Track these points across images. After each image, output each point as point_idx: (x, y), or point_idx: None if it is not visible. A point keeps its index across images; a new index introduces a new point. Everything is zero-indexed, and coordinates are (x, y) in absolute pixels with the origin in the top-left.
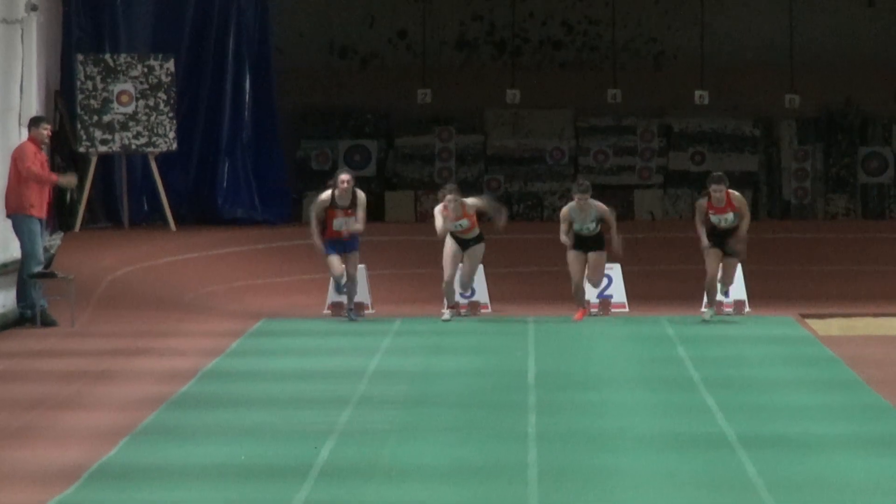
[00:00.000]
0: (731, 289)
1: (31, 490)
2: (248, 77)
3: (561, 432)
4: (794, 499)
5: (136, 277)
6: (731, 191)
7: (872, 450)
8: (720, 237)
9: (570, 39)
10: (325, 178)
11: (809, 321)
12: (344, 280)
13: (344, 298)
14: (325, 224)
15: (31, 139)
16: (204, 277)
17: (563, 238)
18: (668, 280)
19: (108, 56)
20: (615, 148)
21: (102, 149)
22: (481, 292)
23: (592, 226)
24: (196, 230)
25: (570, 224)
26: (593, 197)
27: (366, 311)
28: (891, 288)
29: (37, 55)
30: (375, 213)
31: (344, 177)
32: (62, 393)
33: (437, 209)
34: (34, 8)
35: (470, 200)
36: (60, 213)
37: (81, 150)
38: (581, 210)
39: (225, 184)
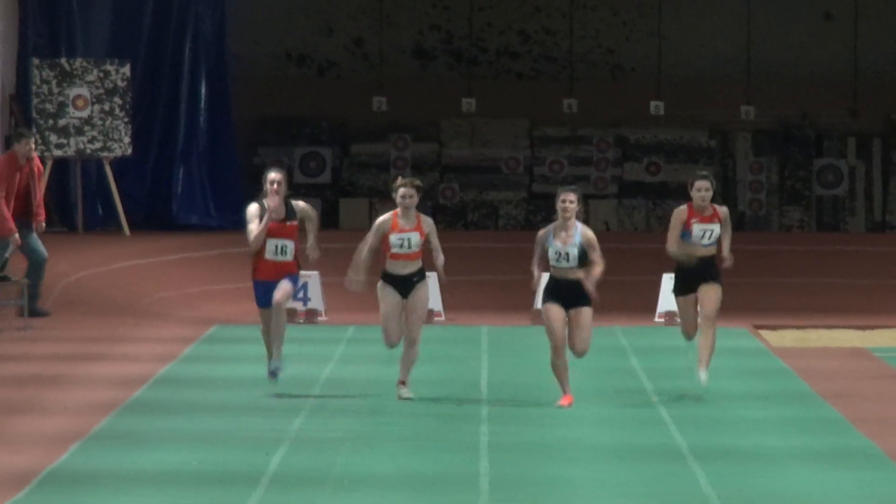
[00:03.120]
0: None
1: None
2: (204, 84)
3: (513, 443)
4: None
5: (91, 282)
6: (717, 206)
7: (824, 463)
8: (694, 274)
9: (526, 50)
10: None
11: (763, 332)
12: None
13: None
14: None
15: (10, 152)
16: (158, 283)
17: (534, 270)
18: (622, 291)
19: (63, 60)
20: (570, 158)
21: (57, 153)
22: (435, 300)
23: (575, 252)
24: (151, 236)
25: (545, 251)
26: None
27: (319, 318)
28: (844, 300)
29: None
30: (330, 220)
31: (272, 175)
32: (13, 398)
33: (379, 221)
34: None
35: (428, 219)
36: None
37: (42, 153)
38: (563, 227)
39: (180, 190)
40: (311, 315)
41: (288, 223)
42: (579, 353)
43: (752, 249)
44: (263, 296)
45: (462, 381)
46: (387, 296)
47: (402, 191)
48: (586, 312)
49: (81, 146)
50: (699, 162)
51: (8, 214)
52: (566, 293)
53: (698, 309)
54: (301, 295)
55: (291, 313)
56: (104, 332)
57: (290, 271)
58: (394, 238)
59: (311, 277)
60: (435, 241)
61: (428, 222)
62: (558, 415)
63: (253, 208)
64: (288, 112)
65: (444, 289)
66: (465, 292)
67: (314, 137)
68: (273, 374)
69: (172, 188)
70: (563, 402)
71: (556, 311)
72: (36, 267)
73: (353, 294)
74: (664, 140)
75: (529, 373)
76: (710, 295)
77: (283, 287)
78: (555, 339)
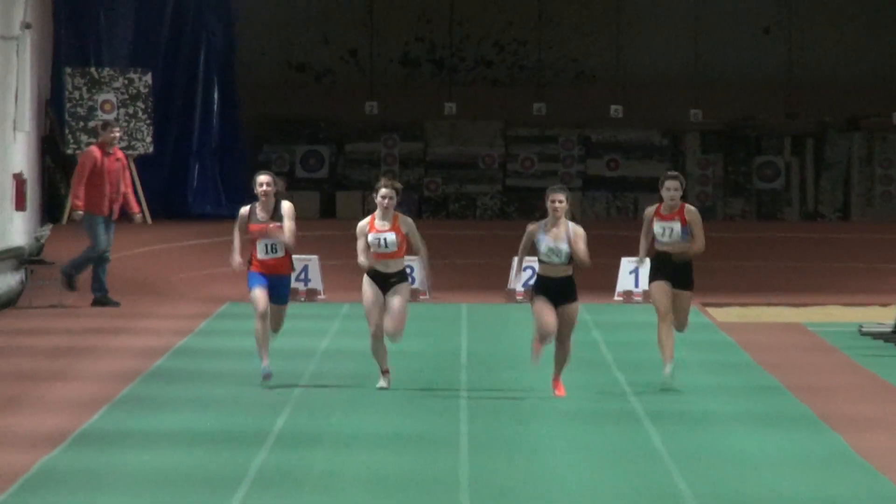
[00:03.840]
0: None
1: (22, 452)
2: (215, 89)
3: (489, 407)
4: (694, 467)
5: (116, 265)
6: (687, 204)
7: (763, 425)
8: (670, 267)
9: (500, 59)
10: (284, 179)
11: (710, 310)
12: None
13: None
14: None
15: (98, 144)
16: (176, 265)
17: (518, 260)
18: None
19: (92, 69)
20: (540, 155)
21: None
22: (420, 281)
23: (562, 249)
24: (168, 224)
25: (531, 244)
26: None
27: (318, 297)
28: (781, 281)
29: (30, 68)
30: (328, 210)
31: (262, 177)
32: (50, 367)
33: (360, 226)
34: (28, 26)
35: (407, 219)
36: (51, 206)
37: (69, 151)
38: (554, 224)
39: (195, 183)
40: (311, 294)
41: (271, 224)
42: (563, 343)
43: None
44: (256, 280)
45: (444, 352)
46: (367, 290)
47: (382, 191)
48: (572, 307)
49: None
50: (653, 159)
51: (81, 193)
52: (555, 290)
53: (671, 305)
54: (302, 276)
55: (293, 294)
56: (128, 308)
57: (283, 270)
58: (371, 237)
59: (310, 261)
60: (416, 241)
61: (406, 222)
62: (530, 380)
63: (243, 211)
64: (289, 114)
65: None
66: (447, 274)
67: (313, 137)
68: (267, 376)
69: (188, 182)
70: (558, 392)
71: (545, 308)
72: (90, 254)
73: (347, 276)
74: (622, 139)
75: (504, 345)
76: (683, 303)
77: (280, 304)
78: (542, 331)
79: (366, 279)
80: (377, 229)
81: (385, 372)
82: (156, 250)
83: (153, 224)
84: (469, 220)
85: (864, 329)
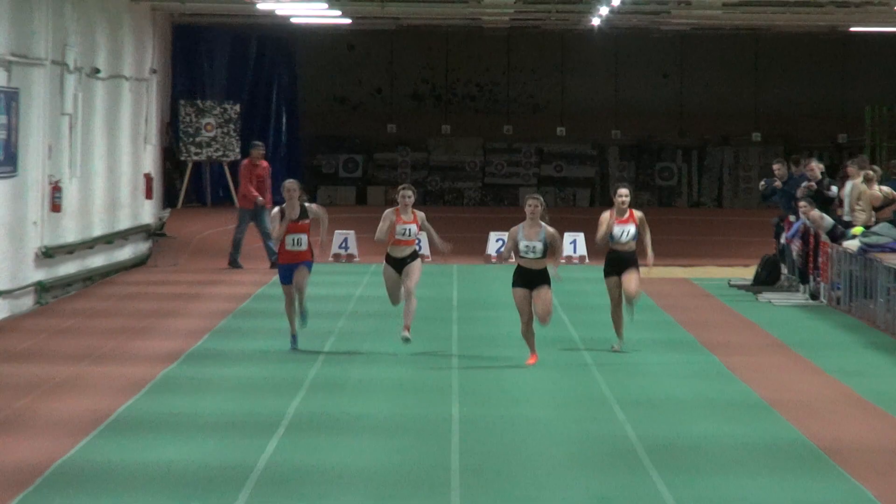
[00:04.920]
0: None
1: (149, 366)
2: (283, 115)
3: (474, 336)
4: (631, 407)
5: (213, 237)
6: (634, 209)
7: (659, 350)
8: (619, 262)
9: (481, 95)
10: (331, 178)
11: None
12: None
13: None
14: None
15: (248, 158)
16: (252, 238)
17: (506, 254)
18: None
19: (198, 101)
20: (508, 161)
21: (195, 158)
22: (424, 248)
23: (538, 245)
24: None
25: (514, 242)
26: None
27: (354, 259)
28: (676, 249)
29: (155, 100)
30: (361, 199)
31: (288, 183)
32: (169, 306)
33: (387, 213)
34: (154, 71)
35: (421, 213)
36: (169, 196)
37: (183, 158)
38: (530, 227)
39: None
40: (349, 257)
41: (300, 222)
42: (542, 318)
43: None
44: (284, 276)
45: (441, 298)
46: (387, 274)
47: (402, 192)
48: (545, 289)
49: (210, 154)
50: (586, 164)
51: (252, 191)
52: (530, 279)
53: (623, 290)
54: (343, 245)
55: (337, 258)
56: (220, 268)
57: (305, 258)
58: (399, 227)
59: (349, 234)
60: (427, 226)
61: (420, 215)
62: (505, 318)
63: (275, 211)
64: (334, 133)
65: (360, 242)
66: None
67: (350, 148)
68: (294, 343)
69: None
70: (530, 360)
71: (523, 295)
72: (264, 233)
73: (375, 245)
74: (565, 151)
75: (485, 293)
76: (631, 283)
77: (302, 272)
78: (523, 315)
79: (385, 265)
80: (403, 221)
81: (406, 327)
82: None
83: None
84: (458, 207)
85: (731, 282)
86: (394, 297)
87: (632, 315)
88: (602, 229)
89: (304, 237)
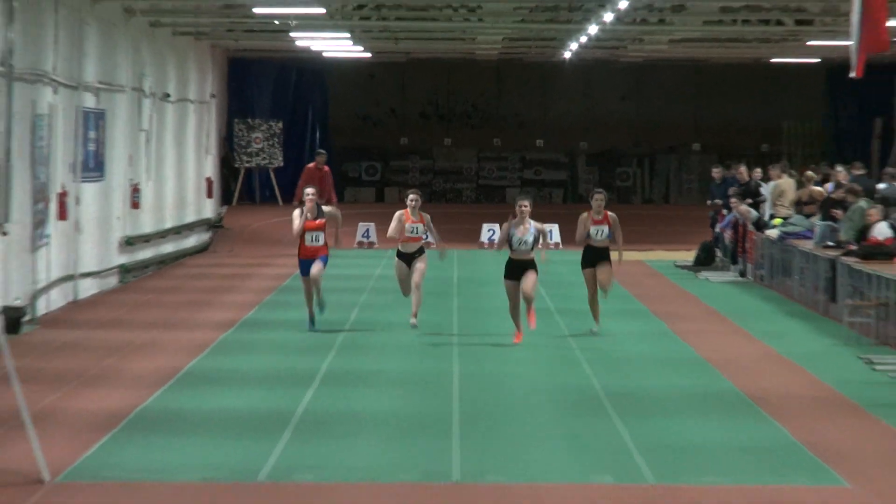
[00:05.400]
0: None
1: (210, 331)
2: (317, 130)
3: (471, 307)
4: (597, 364)
5: (261, 229)
6: (608, 211)
7: (617, 319)
8: (594, 256)
9: (476, 113)
10: (355, 181)
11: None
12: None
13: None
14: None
15: (313, 164)
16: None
17: (499, 244)
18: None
19: (249, 119)
20: (497, 167)
21: (246, 165)
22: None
23: (529, 240)
24: (290, 206)
25: (508, 235)
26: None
27: (374, 246)
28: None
29: (215, 119)
30: (380, 198)
31: (308, 190)
32: (226, 285)
33: (398, 214)
34: (213, 96)
35: (427, 215)
36: (226, 195)
37: (236, 165)
38: (521, 223)
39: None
40: (370, 244)
41: (317, 220)
42: (527, 296)
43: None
44: (304, 269)
45: (444, 277)
46: (398, 267)
47: (411, 196)
48: (531, 274)
49: (258, 162)
50: (559, 169)
51: (300, 192)
52: (519, 269)
53: (598, 280)
54: (365, 234)
55: (360, 244)
56: (268, 253)
57: (322, 253)
58: (408, 226)
59: (370, 225)
60: (432, 228)
61: (426, 216)
62: (496, 292)
63: (296, 212)
64: (359, 144)
65: (378, 232)
66: (445, 234)
67: (371, 157)
68: (312, 324)
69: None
70: (516, 339)
71: (512, 286)
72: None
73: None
74: (543, 158)
75: (481, 271)
76: (604, 275)
77: (318, 265)
78: (511, 301)
79: (397, 259)
80: (412, 220)
81: (414, 314)
82: (282, 221)
83: (282, 205)
84: (457, 204)
85: (676, 264)
86: (404, 287)
87: (605, 297)
88: (580, 229)
89: (320, 234)
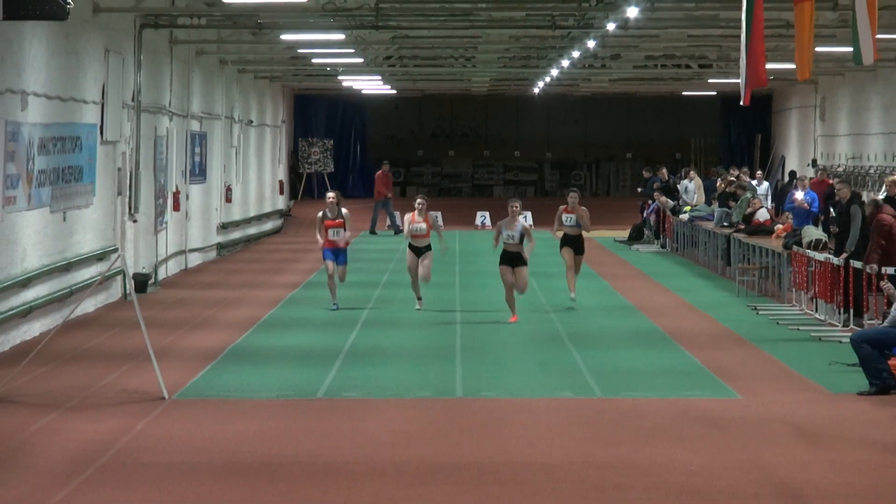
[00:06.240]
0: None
1: (279, 290)
2: (358, 146)
3: (470, 272)
4: (559, 313)
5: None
6: (580, 206)
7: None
8: (568, 240)
9: (471, 132)
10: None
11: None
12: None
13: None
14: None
15: (381, 171)
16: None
17: (494, 240)
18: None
19: (309, 138)
20: (486, 172)
21: (307, 171)
22: (441, 219)
23: (517, 235)
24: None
25: (500, 232)
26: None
27: (400, 231)
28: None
29: (285, 139)
30: (402, 194)
31: (329, 194)
32: (294, 257)
33: (406, 217)
34: (284, 121)
35: (433, 214)
36: (293, 192)
37: (300, 171)
38: (511, 222)
39: (351, 182)
40: (397, 230)
41: (336, 220)
42: (520, 290)
43: (547, 205)
44: (326, 254)
45: (449, 249)
46: (409, 256)
47: (419, 200)
48: (522, 268)
49: (316, 169)
50: (531, 174)
51: (382, 190)
52: (512, 259)
53: (573, 261)
54: (397, 222)
55: (390, 226)
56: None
57: (342, 246)
58: (413, 226)
59: (396, 213)
60: (437, 226)
61: (433, 216)
62: (487, 261)
63: (319, 214)
64: (387, 156)
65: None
66: (449, 221)
67: (397, 164)
68: (336, 309)
69: (349, 182)
70: (512, 319)
71: (506, 270)
72: (389, 214)
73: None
74: (519, 165)
75: (474, 245)
76: (577, 257)
77: (342, 269)
78: (506, 285)
79: (408, 251)
80: (416, 221)
81: (419, 298)
82: None
83: None
84: (459, 198)
85: (615, 239)
86: (412, 274)
87: (578, 273)
88: (557, 222)
89: (341, 230)
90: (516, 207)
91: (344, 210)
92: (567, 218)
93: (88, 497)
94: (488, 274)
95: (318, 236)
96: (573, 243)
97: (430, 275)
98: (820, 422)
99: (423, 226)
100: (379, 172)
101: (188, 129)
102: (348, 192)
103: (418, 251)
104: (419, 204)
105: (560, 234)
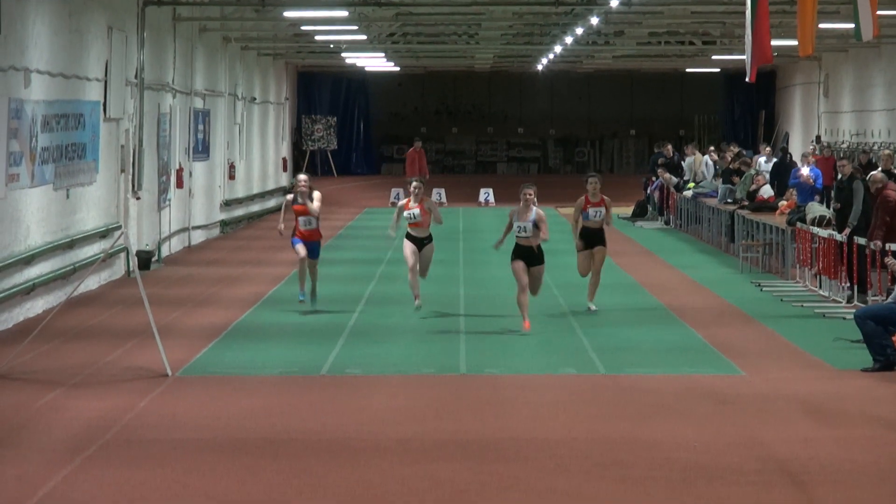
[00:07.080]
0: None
1: (284, 267)
2: (361, 123)
3: (473, 248)
4: (563, 288)
5: (326, 195)
6: (604, 195)
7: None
8: (590, 238)
9: (475, 110)
10: (389, 159)
11: (560, 209)
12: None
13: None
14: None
15: (413, 148)
16: (349, 193)
17: (504, 230)
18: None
19: (312, 116)
20: (490, 149)
21: (311, 148)
22: (444, 196)
23: (530, 226)
24: (344, 178)
25: (511, 223)
26: (483, 166)
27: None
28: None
29: (288, 116)
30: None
31: (301, 177)
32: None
33: (400, 203)
34: (287, 99)
35: (429, 199)
36: (296, 169)
37: (304, 149)
38: (524, 212)
39: (354, 160)
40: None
41: (305, 206)
42: (534, 292)
43: (550, 180)
44: (297, 241)
45: (452, 227)
46: (407, 246)
47: (414, 184)
48: (540, 269)
49: (319, 146)
50: (535, 150)
51: (414, 168)
52: (527, 255)
53: (592, 261)
54: (396, 196)
55: (392, 205)
56: (324, 214)
57: (316, 234)
58: (406, 213)
59: (400, 190)
60: (435, 211)
61: (429, 201)
62: (489, 238)
63: (289, 197)
64: (390, 133)
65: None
66: (453, 198)
67: (400, 142)
68: (303, 300)
69: (352, 160)
70: (525, 327)
71: (521, 267)
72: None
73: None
74: (522, 142)
75: (481, 223)
76: (599, 255)
77: (313, 262)
78: (521, 284)
79: (406, 240)
80: (409, 207)
81: (417, 297)
82: (339, 188)
83: (337, 177)
84: (462, 175)
85: (619, 216)
86: (410, 263)
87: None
88: (575, 213)
89: (313, 219)
90: (530, 195)
91: (316, 192)
92: (595, 212)
93: (92, 474)
94: (492, 251)
95: (280, 223)
96: (594, 239)
97: (427, 273)
98: (824, 398)
99: (418, 211)
100: (410, 150)
101: (191, 106)
102: (351, 169)
103: (418, 242)
104: (414, 188)
105: (580, 241)
